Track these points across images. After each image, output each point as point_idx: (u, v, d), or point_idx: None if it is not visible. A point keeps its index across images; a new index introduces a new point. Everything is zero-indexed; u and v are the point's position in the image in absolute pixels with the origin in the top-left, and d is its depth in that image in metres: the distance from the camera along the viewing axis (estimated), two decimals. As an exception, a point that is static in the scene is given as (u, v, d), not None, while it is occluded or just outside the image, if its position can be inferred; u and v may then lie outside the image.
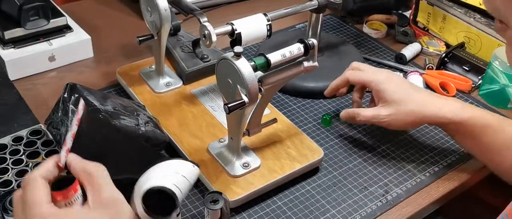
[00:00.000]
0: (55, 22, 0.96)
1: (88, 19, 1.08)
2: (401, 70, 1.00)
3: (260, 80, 0.68)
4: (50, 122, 0.70)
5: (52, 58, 0.96)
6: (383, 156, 0.82)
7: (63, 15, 0.98)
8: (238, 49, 0.65)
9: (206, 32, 0.74)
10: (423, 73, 0.98)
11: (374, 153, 0.82)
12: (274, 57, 0.69)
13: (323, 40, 1.02)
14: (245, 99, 0.65)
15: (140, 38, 0.83)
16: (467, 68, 1.00)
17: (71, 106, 0.67)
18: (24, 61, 0.93)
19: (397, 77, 0.80)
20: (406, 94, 0.76)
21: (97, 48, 1.02)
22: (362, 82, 0.81)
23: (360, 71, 0.82)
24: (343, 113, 0.82)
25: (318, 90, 0.91)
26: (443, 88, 0.96)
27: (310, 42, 0.71)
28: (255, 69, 0.67)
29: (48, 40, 0.96)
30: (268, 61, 0.68)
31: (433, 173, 0.79)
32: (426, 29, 1.12)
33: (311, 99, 0.92)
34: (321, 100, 0.92)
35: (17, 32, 0.93)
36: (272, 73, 0.70)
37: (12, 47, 0.93)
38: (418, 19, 1.13)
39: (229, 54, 0.66)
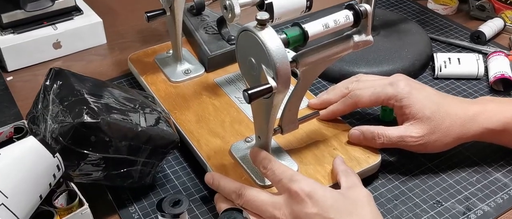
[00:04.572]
0: (62, 3, 0.84)
1: (103, 0, 0.95)
2: (479, 52, 0.80)
3: (295, 60, 0.52)
4: (31, 117, 0.56)
5: (57, 45, 0.83)
6: (461, 160, 0.62)
7: (71, -5, 0.85)
8: (262, 15, 0.48)
9: (227, 2, 0.58)
10: (510, 54, 0.77)
11: (449, 156, 0.62)
12: (313, 27, 0.52)
13: (378, 17, 0.84)
14: (272, 83, 0.48)
15: (148, 14, 0.68)
16: None
17: (52, 96, 0.52)
18: (24, 48, 0.80)
19: (420, 86, 0.61)
20: (439, 107, 0.58)
21: (112, 33, 0.89)
22: (375, 102, 0.61)
23: (369, 87, 0.62)
24: (355, 133, 0.61)
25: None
26: (536, 73, 0.75)
27: (362, 8, 0.53)
28: (287, 43, 0.50)
29: (53, 24, 0.83)
30: (304, 33, 0.51)
31: (532, 183, 0.59)
32: (509, 2, 0.91)
33: (365, 88, 0.74)
34: (377, 89, 0.74)
35: (17, 15, 0.81)
36: (311, 50, 0.53)
37: (12, 32, 0.81)
38: (498, -10, 0.92)
39: (252, 24, 0.49)
